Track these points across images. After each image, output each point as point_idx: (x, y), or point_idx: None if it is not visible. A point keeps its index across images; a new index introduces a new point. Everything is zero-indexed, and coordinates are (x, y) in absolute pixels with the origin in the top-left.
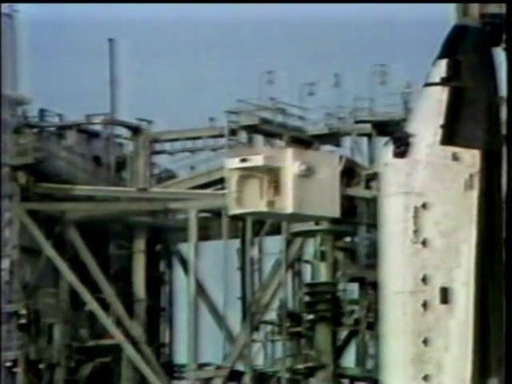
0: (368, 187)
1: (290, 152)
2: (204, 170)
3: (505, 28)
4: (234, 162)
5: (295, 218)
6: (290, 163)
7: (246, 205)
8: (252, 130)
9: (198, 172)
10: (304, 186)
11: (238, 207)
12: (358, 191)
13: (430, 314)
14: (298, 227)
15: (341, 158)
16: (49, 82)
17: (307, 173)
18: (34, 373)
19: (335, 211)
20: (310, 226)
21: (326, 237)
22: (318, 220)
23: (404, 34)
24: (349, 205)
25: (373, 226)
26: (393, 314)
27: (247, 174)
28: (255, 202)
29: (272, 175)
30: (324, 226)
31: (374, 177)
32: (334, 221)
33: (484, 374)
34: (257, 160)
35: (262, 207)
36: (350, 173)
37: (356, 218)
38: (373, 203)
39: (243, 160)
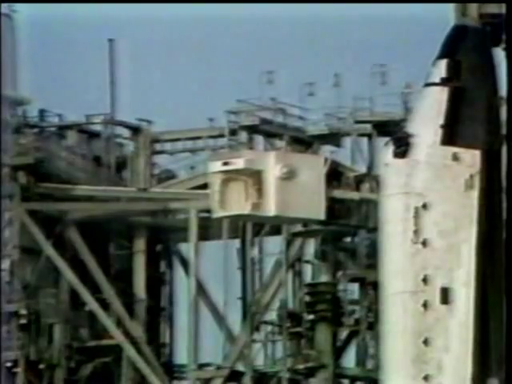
0: (358, 189)
1: (272, 155)
2: (204, 171)
3: (504, 28)
4: (217, 165)
5: (279, 220)
6: (272, 166)
7: (230, 207)
8: (252, 130)
9: (198, 172)
10: (287, 188)
11: (221, 210)
12: (346, 193)
13: (431, 314)
14: (299, 227)
15: (326, 160)
16: (49, 82)
17: (289, 175)
18: (34, 373)
19: (320, 213)
20: (310, 226)
21: (326, 237)
22: (302, 222)
23: (404, 33)
24: (337, 207)
25: (364, 227)
26: (393, 314)
27: (230, 176)
28: (239, 204)
29: (255, 178)
30: (320, 226)
31: (363, 178)
32: (325, 223)
33: (484, 374)
34: (238, 163)
35: (246, 210)
36: (336, 175)
37: (345, 219)
38: (364, 205)
39: (225, 163)
